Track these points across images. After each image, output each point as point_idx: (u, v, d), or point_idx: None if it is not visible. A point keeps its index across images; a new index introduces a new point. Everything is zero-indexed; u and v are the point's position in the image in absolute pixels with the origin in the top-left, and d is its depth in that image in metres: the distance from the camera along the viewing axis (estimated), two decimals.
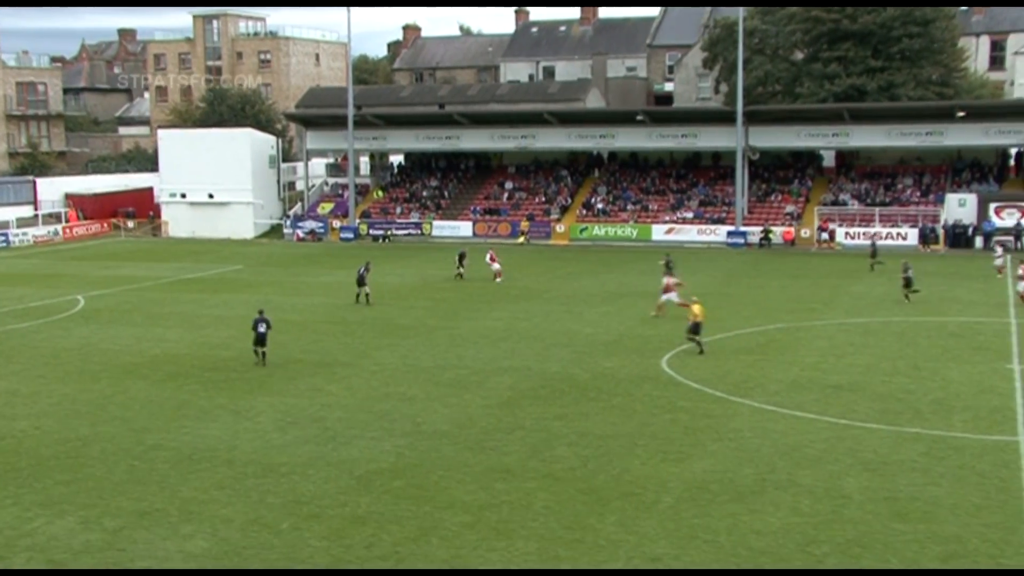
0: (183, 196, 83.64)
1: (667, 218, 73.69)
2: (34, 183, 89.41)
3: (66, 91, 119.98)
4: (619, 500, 21.51)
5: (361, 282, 46.90)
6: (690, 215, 73.69)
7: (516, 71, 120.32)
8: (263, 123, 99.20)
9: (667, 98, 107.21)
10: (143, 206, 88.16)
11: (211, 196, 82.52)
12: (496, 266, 54.46)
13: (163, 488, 22.63)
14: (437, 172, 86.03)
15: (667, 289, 42.53)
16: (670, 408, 28.69)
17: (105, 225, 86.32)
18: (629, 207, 75.82)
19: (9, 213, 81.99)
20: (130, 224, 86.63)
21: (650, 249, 67.60)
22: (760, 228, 69.87)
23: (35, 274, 60.09)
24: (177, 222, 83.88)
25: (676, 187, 78.08)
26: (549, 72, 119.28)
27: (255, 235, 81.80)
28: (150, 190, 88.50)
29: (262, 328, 34.86)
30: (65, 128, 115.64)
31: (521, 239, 73.41)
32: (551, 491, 22.08)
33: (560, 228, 74.59)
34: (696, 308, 35.93)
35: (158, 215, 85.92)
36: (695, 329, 35.47)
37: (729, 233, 70.20)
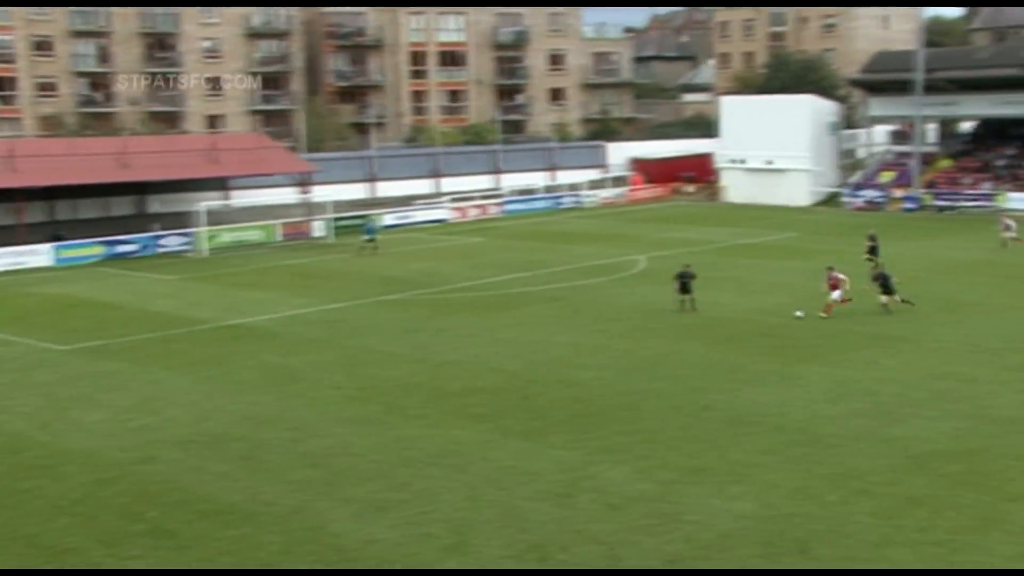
0: (741, 162, 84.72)
1: None
2: (603, 148, 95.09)
3: (636, 60, 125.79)
4: None
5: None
6: None
7: None
8: (825, 89, 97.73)
9: None
10: (702, 171, 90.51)
11: (769, 163, 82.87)
12: (1011, 234, 53.19)
13: (713, 447, 23.29)
14: (1016, 140, 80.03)
15: (833, 285, 37.21)
16: None
17: (666, 189, 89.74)
18: None
19: (581, 175, 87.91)
20: (689, 188, 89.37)
21: None
22: None
23: (601, 234, 63.87)
24: (734, 188, 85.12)
25: None
26: None
27: (811, 203, 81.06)
28: (709, 156, 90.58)
29: (685, 279, 38.49)
30: (633, 95, 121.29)
31: None
32: None
33: None
34: None
35: (716, 180, 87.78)
36: None
37: None
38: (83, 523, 19.48)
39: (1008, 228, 53.93)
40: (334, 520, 19.43)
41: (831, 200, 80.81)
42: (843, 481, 21.05)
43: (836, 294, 37.17)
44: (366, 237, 57.87)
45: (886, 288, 37.68)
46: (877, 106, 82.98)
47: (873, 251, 47.98)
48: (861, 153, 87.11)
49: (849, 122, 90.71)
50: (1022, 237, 53.20)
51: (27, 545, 18.51)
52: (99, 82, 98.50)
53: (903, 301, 37.69)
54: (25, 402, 27.97)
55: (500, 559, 17.58)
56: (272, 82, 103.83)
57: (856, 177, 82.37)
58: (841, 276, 37.52)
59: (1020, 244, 52.82)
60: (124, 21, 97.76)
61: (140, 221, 63.93)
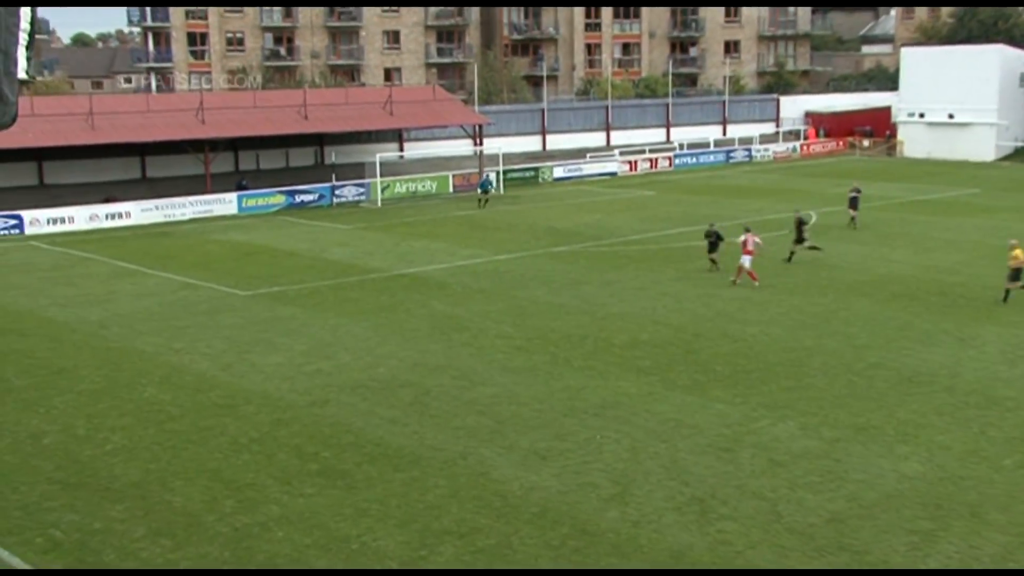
0: (921, 116, 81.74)
1: None
2: (777, 101, 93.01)
3: (814, 10, 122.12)
4: None
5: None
6: None
7: None
8: (1016, 39, 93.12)
9: None
10: (880, 125, 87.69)
11: (951, 116, 79.68)
12: None
13: (880, 406, 22.73)
14: None
15: (747, 249, 34.75)
16: None
17: (841, 143, 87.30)
18: None
19: (753, 129, 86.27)
20: (865, 143, 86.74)
21: None
22: None
23: (773, 188, 62.61)
24: (913, 142, 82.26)
25: None
26: None
27: (996, 158, 77.70)
28: (887, 109, 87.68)
29: (712, 238, 37.39)
30: (810, 47, 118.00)
31: None
32: None
33: None
34: (1016, 252, 31.78)
35: (894, 134, 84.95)
36: (1015, 276, 31.69)
37: None
38: (261, 460, 20.30)
39: None
40: (498, 467, 19.74)
41: (1018, 155, 77.29)
42: (1020, 445, 20.30)
43: (747, 259, 35.04)
44: (480, 191, 58.24)
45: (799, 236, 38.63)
46: None
47: (854, 202, 47.48)
48: None
49: None
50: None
51: (211, 479, 19.40)
52: (283, 36, 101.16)
53: (811, 248, 38.59)
54: (210, 344, 29.20)
55: (661, 511, 17.59)
56: (447, 35, 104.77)
57: None
58: (758, 240, 35.60)
59: None
60: None
61: (318, 172, 65.70)
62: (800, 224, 39.37)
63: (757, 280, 34.90)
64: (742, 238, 35.46)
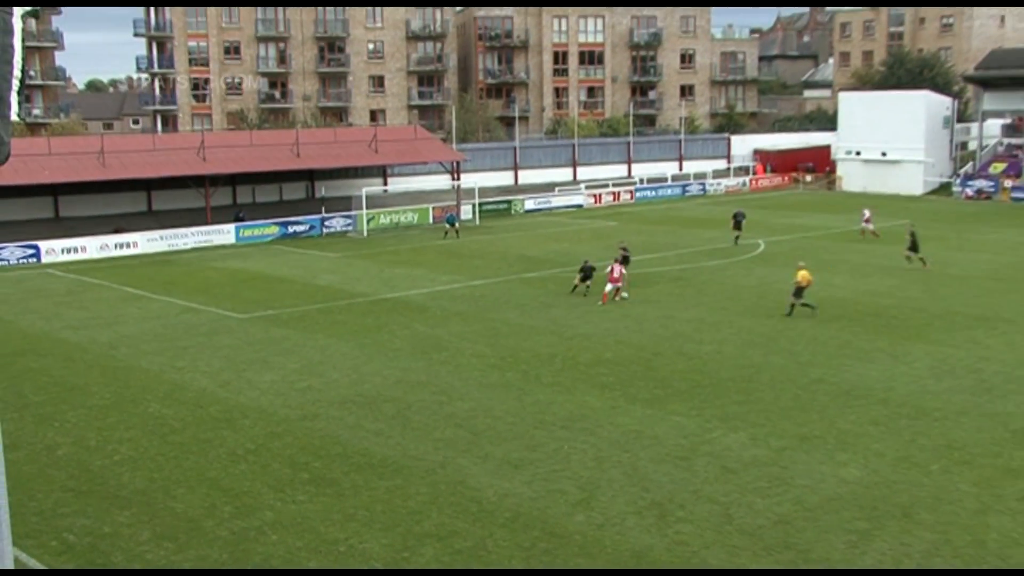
0: (857, 153, 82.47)
1: None
2: (728, 140, 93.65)
3: (761, 58, 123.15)
4: None
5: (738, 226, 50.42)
6: None
7: None
8: (940, 86, 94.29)
9: None
10: (821, 162, 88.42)
11: (884, 154, 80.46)
12: (868, 225, 52.48)
13: (822, 417, 22.86)
14: None
15: (613, 277, 36.05)
16: None
17: (786, 178, 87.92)
18: None
19: (707, 166, 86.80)
20: (808, 178, 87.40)
21: None
22: None
23: (725, 219, 62.78)
24: (850, 178, 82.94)
25: None
26: None
27: (923, 192, 78.47)
28: (827, 148, 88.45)
29: (584, 270, 37.74)
30: (758, 91, 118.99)
31: None
32: None
33: None
34: (801, 274, 33.38)
35: (833, 170, 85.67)
36: (798, 293, 33.29)
37: None
38: (257, 470, 20.20)
39: (865, 218, 52.73)
40: (474, 475, 19.71)
41: (942, 189, 78.09)
42: (946, 452, 20.46)
43: (610, 286, 36.31)
44: (447, 226, 58.13)
45: (625, 260, 39.02)
46: (990, 101, 79.81)
47: (738, 225, 50.02)
48: (973, 145, 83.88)
49: (963, 116, 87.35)
50: (879, 230, 51.96)
51: (211, 487, 19.29)
52: (278, 81, 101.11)
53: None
54: (209, 363, 29.07)
55: (624, 515, 17.62)
56: (428, 80, 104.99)
57: (968, 168, 79.34)
58: (624, 270, 36.81)
59: (876, 236, 51.33)
60: (300, 28, 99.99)
61: (309, 204, 65.59)
62: (623, 254, 40.34)
63: (605, 303, 35.92)
64: (609, 268, 36.55)
